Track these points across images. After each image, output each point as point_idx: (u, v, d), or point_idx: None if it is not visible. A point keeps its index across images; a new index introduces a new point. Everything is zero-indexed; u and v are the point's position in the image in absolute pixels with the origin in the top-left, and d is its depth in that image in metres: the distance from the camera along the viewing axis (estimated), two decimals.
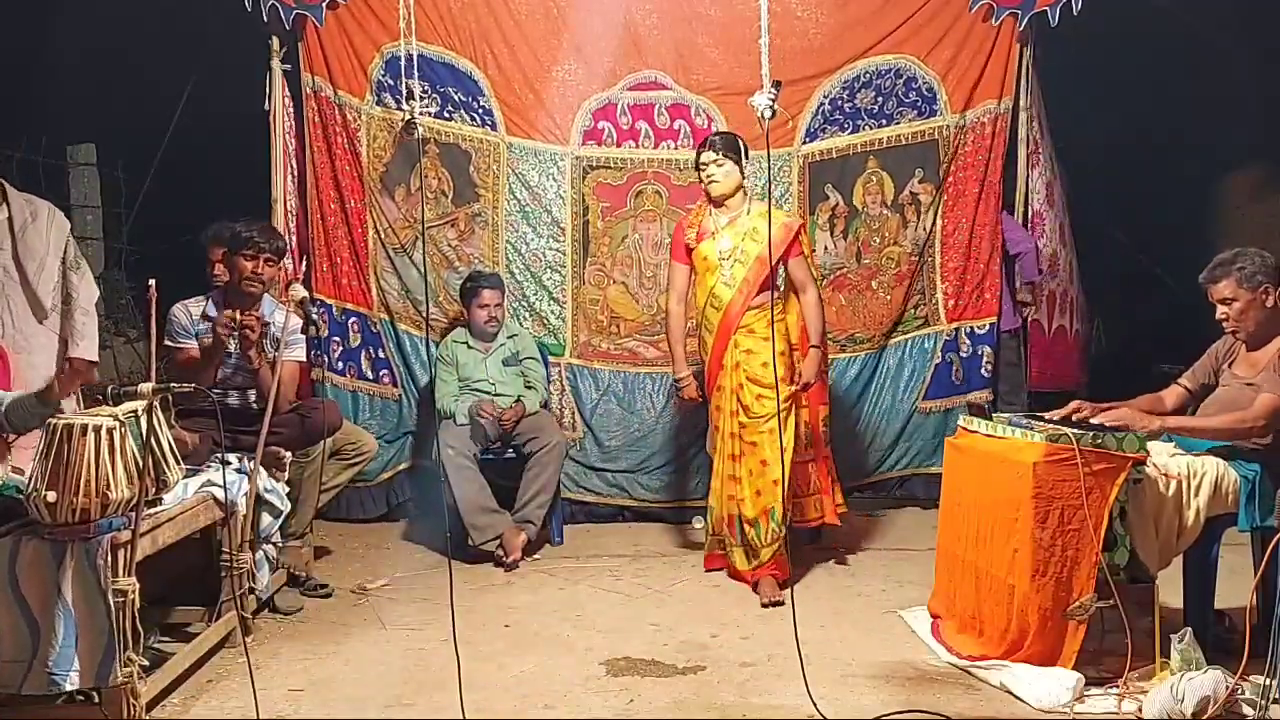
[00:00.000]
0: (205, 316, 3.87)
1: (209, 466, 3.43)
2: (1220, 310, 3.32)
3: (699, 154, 4.06)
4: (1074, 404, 3.29)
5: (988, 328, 5.16)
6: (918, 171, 5.12)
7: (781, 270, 4.10)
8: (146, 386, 2.81)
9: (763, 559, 3.93)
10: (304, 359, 4.05)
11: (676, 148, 5.11)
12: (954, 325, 5.17)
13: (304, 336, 4.03)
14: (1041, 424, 3.18)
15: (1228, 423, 3.17)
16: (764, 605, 3.77)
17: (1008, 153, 5.08)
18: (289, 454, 3.79)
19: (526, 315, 5.12)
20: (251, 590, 3.52)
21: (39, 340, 4.08)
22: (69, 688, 2.70)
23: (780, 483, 3.82)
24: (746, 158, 4.07)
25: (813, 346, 4.05)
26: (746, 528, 3.94)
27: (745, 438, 3.95)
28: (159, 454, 2.88)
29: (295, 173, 4.93)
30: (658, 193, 5.14)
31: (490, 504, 4.40)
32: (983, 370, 5.15)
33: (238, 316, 3.70)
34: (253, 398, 3.87)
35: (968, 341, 5.18)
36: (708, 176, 4.01)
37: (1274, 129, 5.79)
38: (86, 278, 4.22)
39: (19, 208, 4.08)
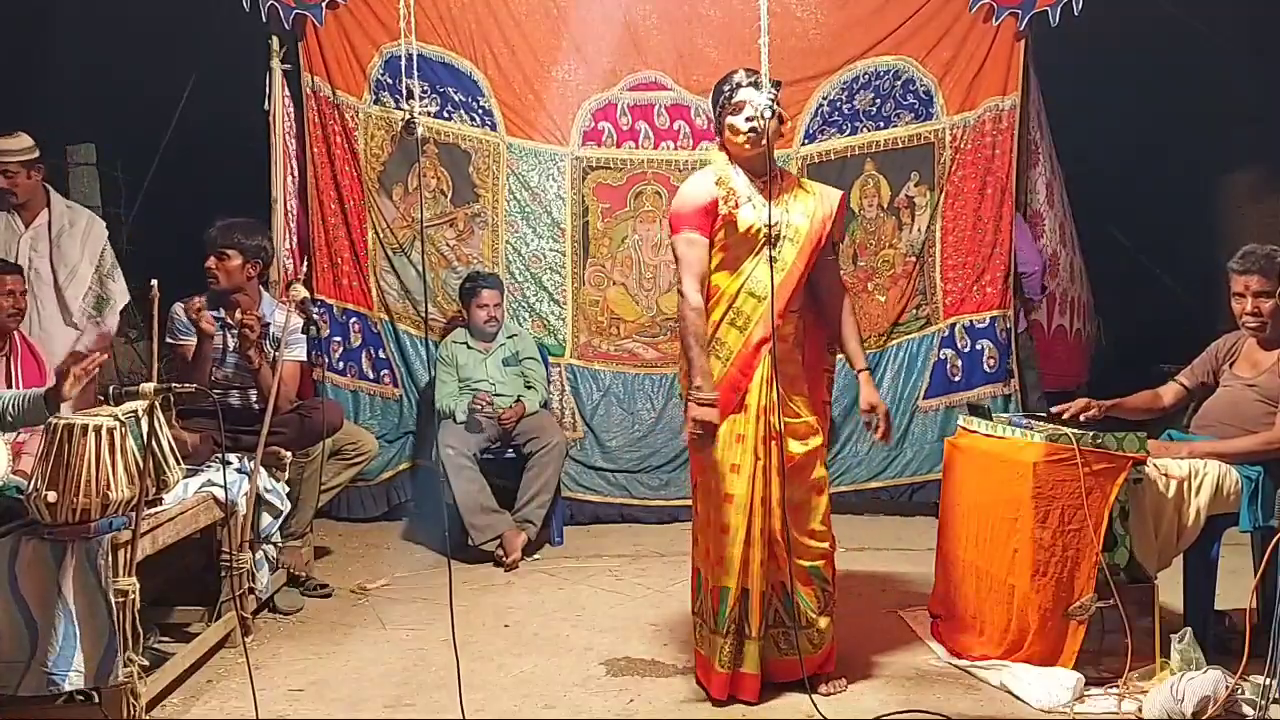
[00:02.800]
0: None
1: (209, 466, 3.43)
2: (1250, 303, 3.26)
3: (732, 90, 2.99)
4: (1082, 401, 3.28)
5: (988, 321, 5.08)
6: (914, 175, 5.11)
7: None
8: (147, 386, 2.81)
9: (823, 633, 3.04)
10: (304, 359, 4.05)
11: (676, 148, 5.11)
12: (950, 321, 5.12)
13: (304, 336, 4.03)
14: (1041, 424, 3.19)
15: (1256, 444, 3.17)
16: (826, 694, 2.99)
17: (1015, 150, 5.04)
18: (289, 454, 3.78)
19: (526, 316, 5.12)
20: (251, 590, 3.52)
21: (62, 343, 4.12)
22: (68, 688, 2.70)
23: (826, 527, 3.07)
24: (779, 103, 3.04)
25: (862, 370, 3.13)
26: (813, 588, 3.04)
27: (795, 467, 2.99)
28: (159, 454, 2.88)
29: (295, 173, 4.94)
30: (657, 193, 5.13)
31: (490, 504, 4.40)
32: (985, 366, 5.09)
33: (238, 316, 3.71)
34: (254, 397, 3.87)
35: (966, 337, 5.11)
36: (750, 120, 2.95)
37: (1274, 129, 5.78)
38: (121, 283, 4.26)
39: (59, 214, 4.18)
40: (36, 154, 4.14)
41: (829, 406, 3.31)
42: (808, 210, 3.04)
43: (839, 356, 3.25)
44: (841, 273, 3.17)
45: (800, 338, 3.10)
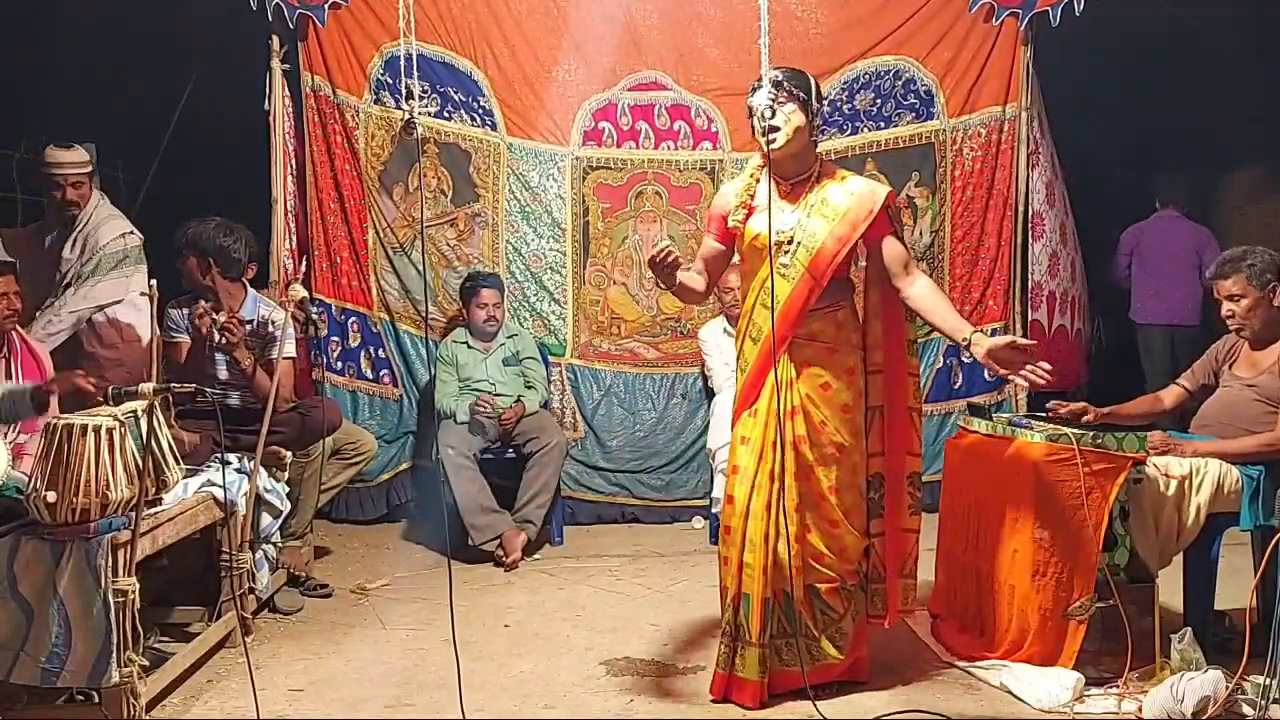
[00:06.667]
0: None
1: (209, 466, 3.43)
2: (1226, 307, 3.33)
3: (751, 94, 2.93)
4: (1079, 405, 3.29)
5: (990, 334, 5.13)
6: (914, 175, 5.13)
7: (859, 260, 3.10)
8: (147, 386, 2.81)
9: (824, 652, 2.96)
10: (294, 355, 4.03)
11: (676, 148, 5.11)
12: None
13: (292, 333, 4.02)
14: (1041, 424, 3.19)
15: (1256, 445, 3.17)
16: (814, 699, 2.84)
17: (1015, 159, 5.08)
18: (289, 454, 3.79)
19: (527, 316, 5.12)
20: (251, 590, 3.52)
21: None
22: (61, 685, 2.70)
23: (854, 545, 2.97)
24: (820, 100, 2.96)
25: (974, 334, 2.87)
26: (811, 607, 2.94)
27: (809, 482, 2.91)
28: (159, 454, 2.88)
29: (295, 172, 4.94)
30: (658, 193, 5.14)
31: (490, 504, 4.40)
32: (986, 375, 5.10)
33: (216, 317, 3.73)
34: (252, 397, 3.87)
35: None
36: (762, 123, 2.86)
37: (1274, 129, 5.79)
38: (114, 284, 4.19)
39: (84, 216, 4.12)
40: (91, 164, 4.17)
41: (916, 414, 3.09)
42: (834, 214, 2.89)
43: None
44: (911, 261, 3.03)
45: (846, 338, 2.99)
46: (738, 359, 3.05)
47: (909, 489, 3.06)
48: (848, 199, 2.92)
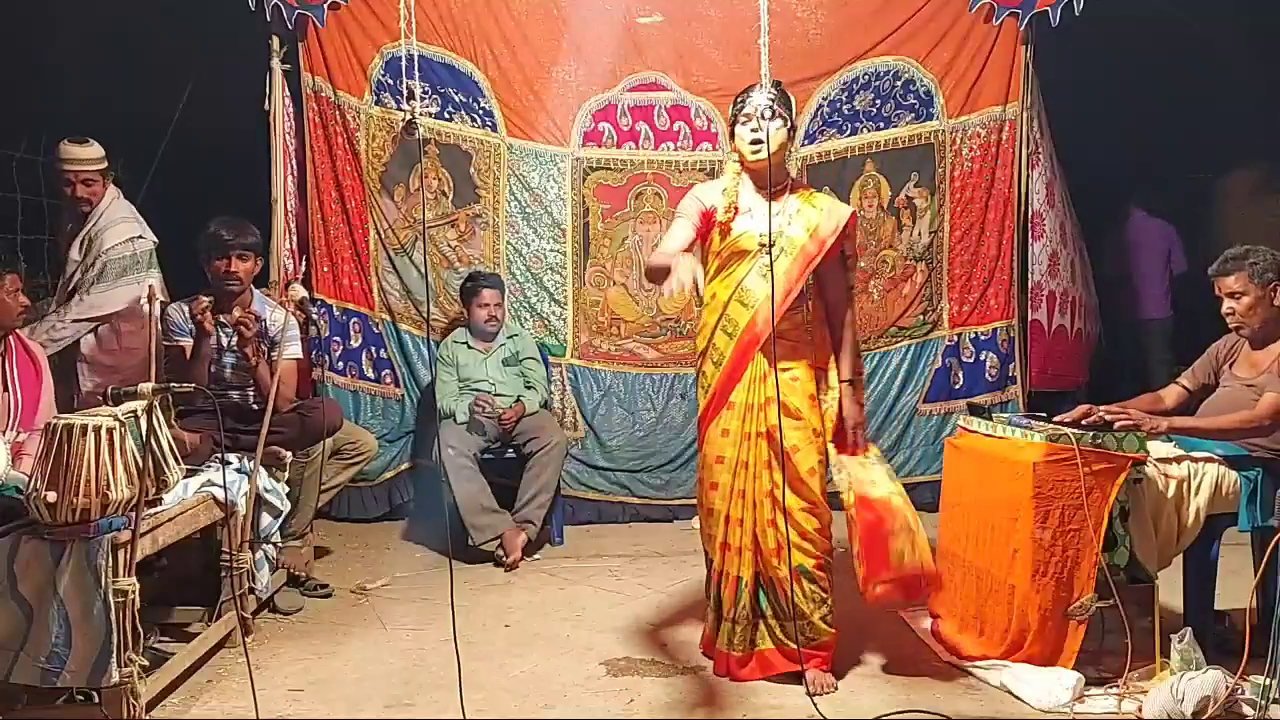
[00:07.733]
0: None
1: (209, 466, 3.43)
2: (1227, 305, 3.33)
3: (744, 99, 3.03)
4: (1083, 408, 3.29)
5: (992, 333, 5.19)
6: (914, 175, 5.14)
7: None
8: (146, 386, 2.81)
9: (822, 632, 3.05)
10: (300, 356, 4.04)
11: (676, 149, 5.12)
12: (956, 331, 5.21)
13: (298, 334, 4.02)
14: (1041, 424, 3.18)
15: (1234, 422, 3.17)
16: (812, 694, 2.95)
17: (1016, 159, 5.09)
18: (289, 454, 3.78)
19: (528, 316, 5.13)
20: (251, 590, 3.52)
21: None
22: (61, 685, 2.70)
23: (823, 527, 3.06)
24: (794, 116, 3.13)
25: (843, 385, 3.12)
26: (801, 586, 3.03)
27: (790, 466, 3.03)
28: (159, 454, 2.88)
29: (295, 173, 4.94)
30: (658, 194, 5.14)
31: (490, 504, 4.41)
32: (987, 375, 5.20)
33: (235, 314, 3.71)
34: (253, 397, 3.87)
35: (970, 347, 5.22)
36: (755, 132, 2.99)
37: (1274, 129, 5.79)
38: (124, 291, 4.18)
39: (96, 215, 4.11)
40: (105, 161, 4.14)
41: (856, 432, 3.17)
42: (809, 224, 3.06)
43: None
44: (853, 288, 3.23)
45: (810, 339, 3.14)
46: (714, 352, 3.10)
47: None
48: (818, 215, 3.09)
